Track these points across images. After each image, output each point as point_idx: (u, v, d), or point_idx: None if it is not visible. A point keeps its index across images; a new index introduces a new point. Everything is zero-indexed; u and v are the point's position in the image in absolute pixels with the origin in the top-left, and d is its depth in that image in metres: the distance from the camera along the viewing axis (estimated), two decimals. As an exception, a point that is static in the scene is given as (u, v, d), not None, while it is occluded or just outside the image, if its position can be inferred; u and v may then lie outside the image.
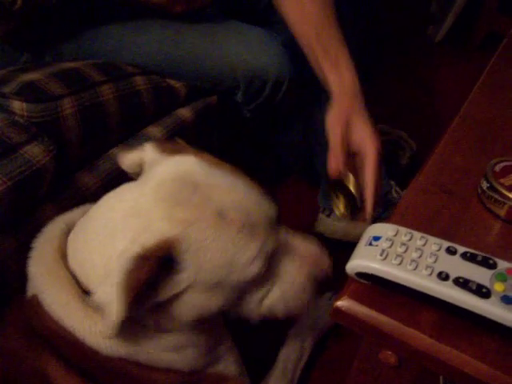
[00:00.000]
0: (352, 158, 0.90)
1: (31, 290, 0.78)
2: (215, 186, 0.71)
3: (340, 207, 0.92)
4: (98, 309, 0.67)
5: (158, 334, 0.76)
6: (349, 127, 0.89)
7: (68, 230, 0.80)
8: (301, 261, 0.79)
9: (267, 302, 0.79)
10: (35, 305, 0.75)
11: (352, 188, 0.87)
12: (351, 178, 0.88)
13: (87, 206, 0.84)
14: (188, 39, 1.20)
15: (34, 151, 0.92)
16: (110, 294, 0.64)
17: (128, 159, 0.83)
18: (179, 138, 0.86)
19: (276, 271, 0.77)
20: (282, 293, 0.78)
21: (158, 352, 0.78)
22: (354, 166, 0.90)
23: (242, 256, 0.70)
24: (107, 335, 0.66)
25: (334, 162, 0.88)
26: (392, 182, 1.36)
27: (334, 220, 1.40)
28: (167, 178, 0.72)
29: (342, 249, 0.78)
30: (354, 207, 0.91)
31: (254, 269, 0.72)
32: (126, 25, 1.23)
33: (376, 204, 0.90)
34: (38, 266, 0.77)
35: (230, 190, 0.72)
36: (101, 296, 0.66)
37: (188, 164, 0.74)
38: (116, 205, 0.74)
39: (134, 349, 0.76)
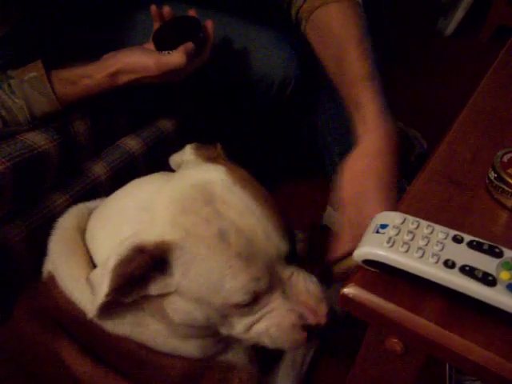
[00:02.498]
0: None
1: (47, 267, 0.80)
2: (230, 205, 0.71)
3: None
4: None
5: (162, 321, 0.77)
6: (360, 205, 0.78)
7: (89, 212, 0.84)
8: (294, 305, 0.76)
9: (253, 331, 0.77)
10: (50, 284, 0.78)
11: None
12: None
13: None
14: None
15: (36, 138, 0.93)
16: (101, 276, 0.67)
17: (173, 160, 0.87)
18: (220, 145, 0.84)
19: (267, 307, 0.75)
20: (267, 328, 0.76)
21: (164, 338, 0.79)
22: None
23: (227, 283, 0.69)
24: (92, 313, 0.69)
25: (336, 249, 0.79)
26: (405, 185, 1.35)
27: None
28: (189, 183, 0.73)
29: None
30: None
31: (238, 298, 0.70)
32: (135, 27, 1.23)
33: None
34: (57, 241, 0.80)
35: (242, 214, 0.71)
36: (94, 275, 0.70)
37: (213, 175, 0.74)
38: (135, 193, 0.77)
39: (139, 330, 0.77)
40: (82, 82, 0.98)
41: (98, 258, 0.76)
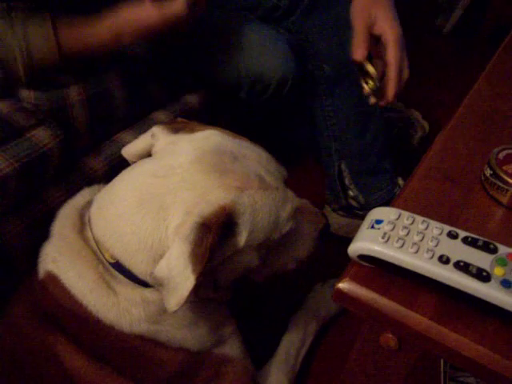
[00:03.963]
0: (378, 47, 1.02)
1: (45, 267, 0.79)
2: (247, 155, 0.77)
3: (366, 86, 1.02)
4: (156, 284, 0.71)
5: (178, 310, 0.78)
6: (371, 18, 0.98)
7: (79, 209, 0.82)
8: (311, 216, 0.88)
9: (281, 258, 0.86)
10: (49, 283, 0.77)
11: (370, 68, 0.98)
12: (371, 63, 0.98)
13: (95, 186, 0.88)
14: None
15: (41, 135, 0.93)
16: (176, 267, 0.66)
17: (136, 148, 0.84)
18: (180, 118, 0.87)
19: (296, 227, 0.83)
20: (296, 246, 0.87)
21: (174, 329, 0.80)
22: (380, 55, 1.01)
23: (282, 214, 0.77)
24: (172, 308, 0.67)
25: (357, 48, 0.98)
26: (400, 182, 1.36)
27: (339, 216, 1.40)
28: (203, 151, 0.75)
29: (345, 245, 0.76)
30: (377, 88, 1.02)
31: (290, 224, 0.80)
32: None
33: (398, 84, 1.01)
34: (58, 246, 0.79)
35: (257, 158, 0.78)
36: (162, 271, 0.67)
37: (217, 137, 0.78)
38: (150, 180, 0.73)
39: (155, 327, 0.78)
40: (86, 40, 0.97)
41: (128, 250, 0.73)
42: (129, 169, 0.80)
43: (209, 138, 0.78)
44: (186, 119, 0.88)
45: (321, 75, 1.26)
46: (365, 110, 1.26)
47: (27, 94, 0.98)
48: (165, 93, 1.22)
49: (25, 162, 0.88)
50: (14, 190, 0.88)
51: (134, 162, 0.83)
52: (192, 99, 1.26)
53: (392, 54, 0.98)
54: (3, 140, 0.89)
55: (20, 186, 0.89)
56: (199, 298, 0.80)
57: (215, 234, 0.67)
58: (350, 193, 1.33)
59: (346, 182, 1.32)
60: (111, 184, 0.80)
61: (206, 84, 1.29)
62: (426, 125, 1.71)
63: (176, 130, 0.81)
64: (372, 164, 1.31)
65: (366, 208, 1.31)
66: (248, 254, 0.76)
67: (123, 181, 0.78)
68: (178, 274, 0.66)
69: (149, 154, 0.82)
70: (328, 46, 1.22)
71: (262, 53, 1.17)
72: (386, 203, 1.26)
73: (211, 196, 0.70)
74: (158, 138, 0.81)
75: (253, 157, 0.78)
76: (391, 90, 1.02)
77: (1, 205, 0.88)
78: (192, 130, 0.80)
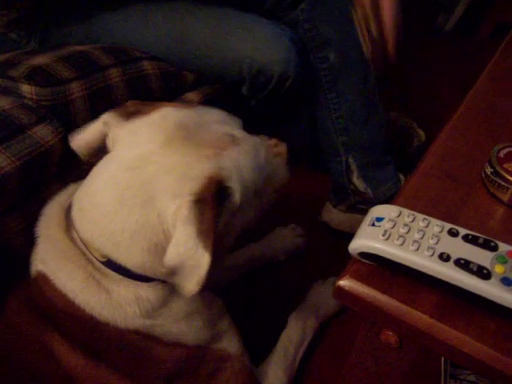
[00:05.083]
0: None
1: (36, 267, 0.79)
2: (208, 119, 0.77)
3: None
4: (170, 275, 0.70)
5: (171, 301, 0.78)
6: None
7: (63, 206, 0.81)
8: (274, 148, 0.89)
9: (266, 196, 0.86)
10: (41, 282, 0.77)
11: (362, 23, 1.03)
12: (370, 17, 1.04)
13: (74, 185, 0.86)
14: (194, 34, 1.20)
15: (43, 132, 0.93)
16: (187, 251, 0.66)
17: (87, 138, 0.82)
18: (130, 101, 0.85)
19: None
20: (274, 179, 0.87)
21: (170, 323, 0.80)
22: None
23: (260, 159, 0.79)
24: (193, 291, 0.67)
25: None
26: (401, 177, 1.36)
27: (340, 211, 1.40)
28: (169, 131, 0.73)
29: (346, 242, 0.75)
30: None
31: (269, 164, 0.83)
32: (131, 18, 1.22)
33: (397, 43, 1.12)
34: (45, 247, 0.79)
35: (217, 118, 0.79)
36: (173, 259, 0.67)
37: (174, 113, 0.77)
38: (127, 174, 0.71)
39: (150, 321, 0.78)
40: None
41: (121, 245, 0.72)
42: (99, 166, 0.77)
43: (166, 116, 0.76)
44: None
45: (325, 67, 1.26)
46: (369, 99, 1.27)
47: (28, 89, 0.98)
48: (166, 90, 1.22)
49: (26, 159, 0.88)
50: (16, 187, 0.88)
51: (83, 154, 0.83)
52: (193, 97, 1.26)
53: (387, 11, 1.04)
54: (4, 137, 0.89)
55: (21, 183, 0.89)
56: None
57: (212, 205, 0.67)
58: (358, 187, 1.33)
59: (355, 175, 1.33)
60: (86, 184, 0.77)
61: (208, 80, 1.29)
62: (421, 134, 1.71)
63: (129, 114, 0.78)
64: (378, 155, 1.32)
65: (373, 202, 1.31)
66: (243, 210, 0.76)
67: (99, 180, 0.75)
68: (192, 256, 0.66)
69: (100, 145, 0.80)
70: (335, 32, 1.22)
71: (265, 46, 1.17)
72: (392, 196, 1.26)
73: (194, 171, 0.69)
74: (110, 125, 0.78)
75: (213, 118, 0.78)
76: (390, 48, 1.13)
77: (2, 203, 0.88)
78: (145, 113, 0.78)
